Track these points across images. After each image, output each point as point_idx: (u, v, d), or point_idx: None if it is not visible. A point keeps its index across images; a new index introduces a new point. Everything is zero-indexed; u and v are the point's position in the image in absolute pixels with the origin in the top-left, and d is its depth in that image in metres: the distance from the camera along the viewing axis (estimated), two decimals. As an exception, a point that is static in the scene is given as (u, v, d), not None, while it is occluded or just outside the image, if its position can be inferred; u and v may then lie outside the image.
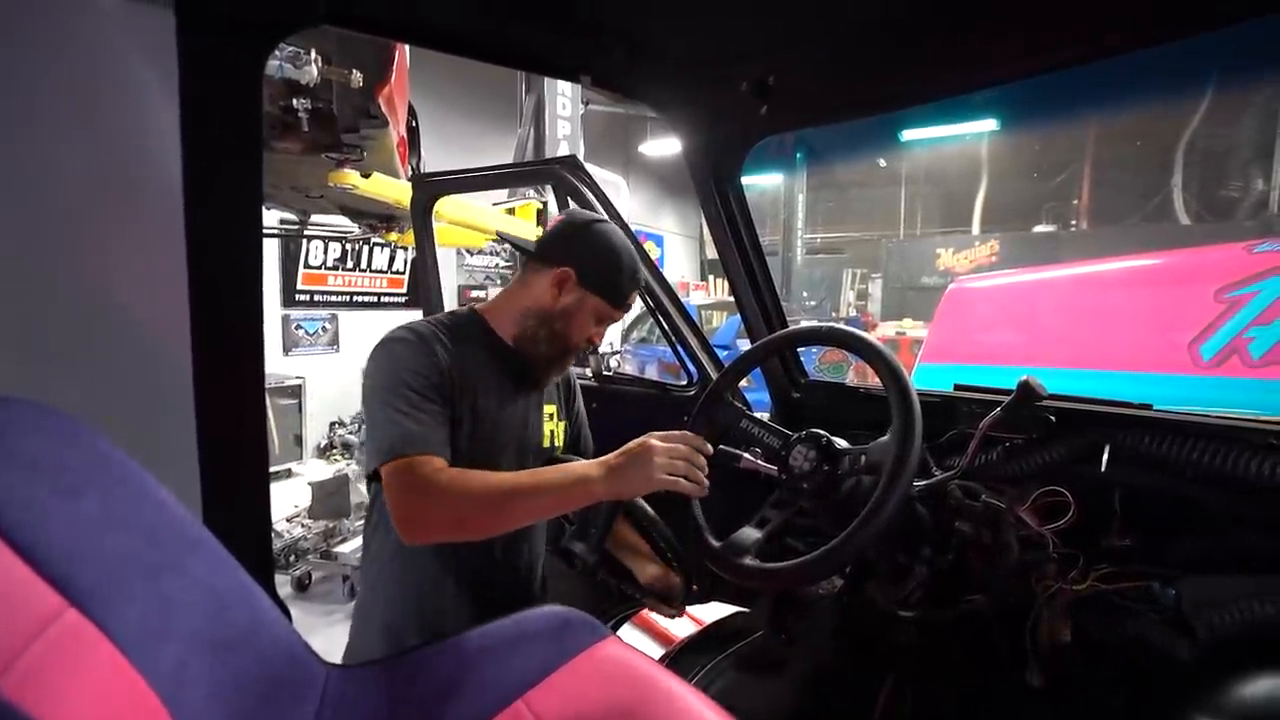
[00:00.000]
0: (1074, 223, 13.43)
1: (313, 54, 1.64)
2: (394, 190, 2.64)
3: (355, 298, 6.08)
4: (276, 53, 1.60)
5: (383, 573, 1.18)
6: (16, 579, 0.55)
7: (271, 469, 1.00)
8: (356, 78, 1.79)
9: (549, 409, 1.31)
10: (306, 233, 4.03)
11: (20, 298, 0.79)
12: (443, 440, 1.05)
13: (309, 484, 3.72)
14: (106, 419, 0.74)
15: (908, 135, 10.57)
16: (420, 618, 1.15)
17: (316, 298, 5.77)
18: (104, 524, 0.65)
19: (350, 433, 5.25)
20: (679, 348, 1.73)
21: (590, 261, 1.18)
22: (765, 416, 1.18)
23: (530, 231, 2.97)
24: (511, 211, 3.77)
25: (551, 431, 1.31)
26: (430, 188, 2.00)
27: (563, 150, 4.73)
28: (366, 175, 2.45)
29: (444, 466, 1.01)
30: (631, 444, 0.99)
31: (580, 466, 1.01)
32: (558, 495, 1.00)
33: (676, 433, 1.00)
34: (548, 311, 1.19)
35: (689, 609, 1.64)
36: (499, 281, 7.19)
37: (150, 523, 0.71)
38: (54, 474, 0.63)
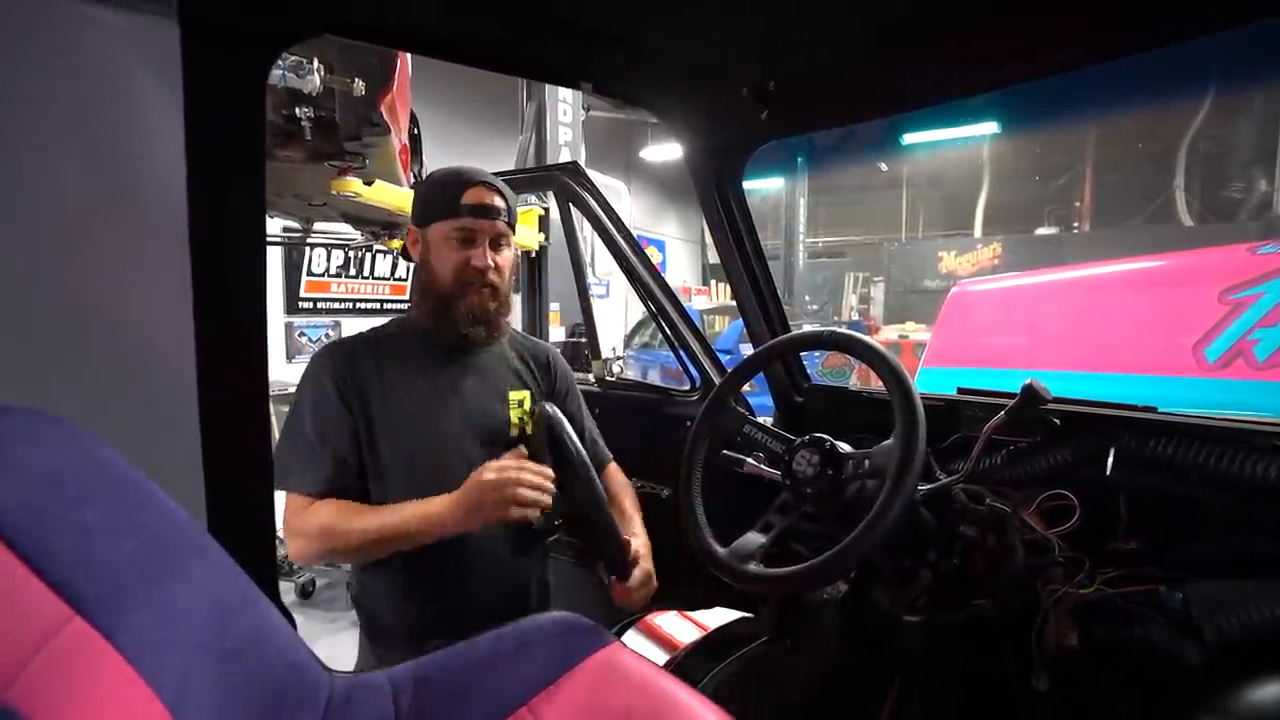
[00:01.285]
0: (1076, 225, 13.42)
1: (315, 63, 1.65)
2: (396, 197, 2.65)
3: (358, 305, 6.08)
4: (279, 62, 1.61)
5: (375, 583, 1.20)
6: (22, 587, 0.56)
7: (276, 476, 1.02)
8: (359, 86, 1.80)
9: (517, 395, 1.28)
10: (309, 240, 4.04)
11: (25, 307, 0.79)
12: (318, 477, 1.10)
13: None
14: (110, 427, 0.74)
15: (909, 139, 10.57)
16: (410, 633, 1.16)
17: (320, 305, 5.78)
18: (108, 532, 0.65)
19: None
20: (681, 352, 1.73)
21: (417, 204, 1.22)
22: (768, 421, 1.18)
23: (533, 237, 2.97)
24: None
25: (521, 419, 1.27)
26: (432, 195, 2.00)
27: (564, 156, 4.74)
28: (369, 183, 2.45)
29: (324, 507, 1.09)
30: (471, 477, 1.07)
31: (435, 505, 1.07)
32: (413, 536, 1.07)
33: (511, 460, 1.10)
34: (420, 276, 1.21)
35: (694, 614, 1.64)
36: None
37: (154, 531, 0.71)
38: (58, 483, 0.64)
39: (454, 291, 1.17)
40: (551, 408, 1.24)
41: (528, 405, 1.28)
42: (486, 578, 1.20)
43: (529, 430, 1.26)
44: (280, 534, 1.06)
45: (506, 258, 1.22)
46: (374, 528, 1.07)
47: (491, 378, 1.27)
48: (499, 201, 1.19)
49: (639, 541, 1.25)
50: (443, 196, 1.17)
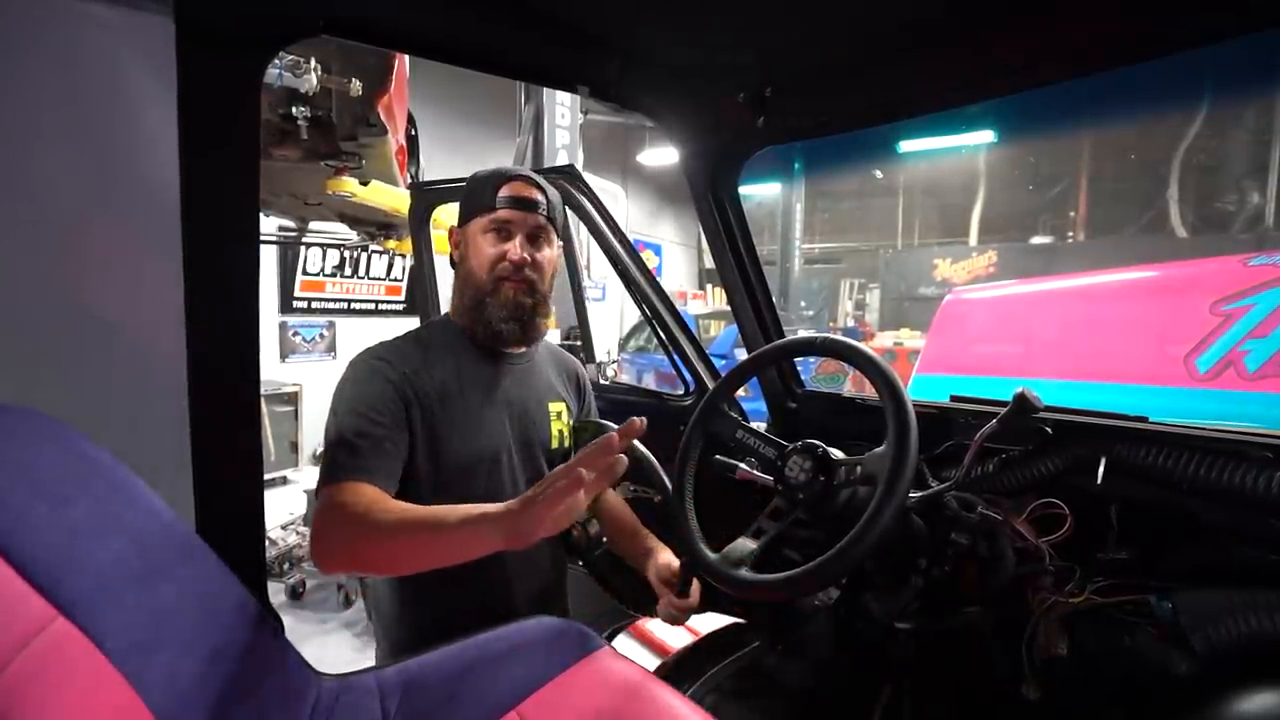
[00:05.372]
0: (1071, 234, 13.50)
1: (312, 62, 1.65)
2: (392, 198, 2.64)
3: (353, 305, 6.07)
4: (276, 61, 1.61)
5: (386, 587, 1.16)
6: (5, 587, 0.55)
7: (267, 476, 1.00)
8: (356, 86, 1.80)
9: (555, 407, 1.24)
10: (305, 240, 4.03)
11: (16, 304, 0.78)
12: (377, 468, 0.98)
13: (305, 491, 3.70)
14: (100, 425, 0.74)
15: (905, 146, 10.62)
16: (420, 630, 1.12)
17: (314, 304, 5.77)
18: (94, 531, 0.65)
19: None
20: (676, 357, 1.73)
21: (462, 202, 1.19)
22: (762, 427, 1.18)
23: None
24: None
25: (560, 431, 1.24)
26: (428, 196, 2.00)
27: (561, 159, 4.74)
28: (365, 183, 2.45)
29: (366, 492, 0.94)
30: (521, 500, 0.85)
31: (485, 508, 0.85)
32: (453, 538, 0.85)
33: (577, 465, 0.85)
34: (458, 274, 1.18)
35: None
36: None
37: (141, 530, 0.70)
38: (44, 481, 0.63)
39: (489, 287, 1.12)
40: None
41: (565, 418, 1.26)
42: (520, 581, 1.17)
43: (568, 443, 1.24)
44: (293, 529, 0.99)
45: (547, 255, 1.16)
46: (414, 515, 0.89)
47: (534, 386, 1.22)
48: (537, 195, 1.14)
49: (668, 554, 1.21)
50: (480, 192, 1.14)
